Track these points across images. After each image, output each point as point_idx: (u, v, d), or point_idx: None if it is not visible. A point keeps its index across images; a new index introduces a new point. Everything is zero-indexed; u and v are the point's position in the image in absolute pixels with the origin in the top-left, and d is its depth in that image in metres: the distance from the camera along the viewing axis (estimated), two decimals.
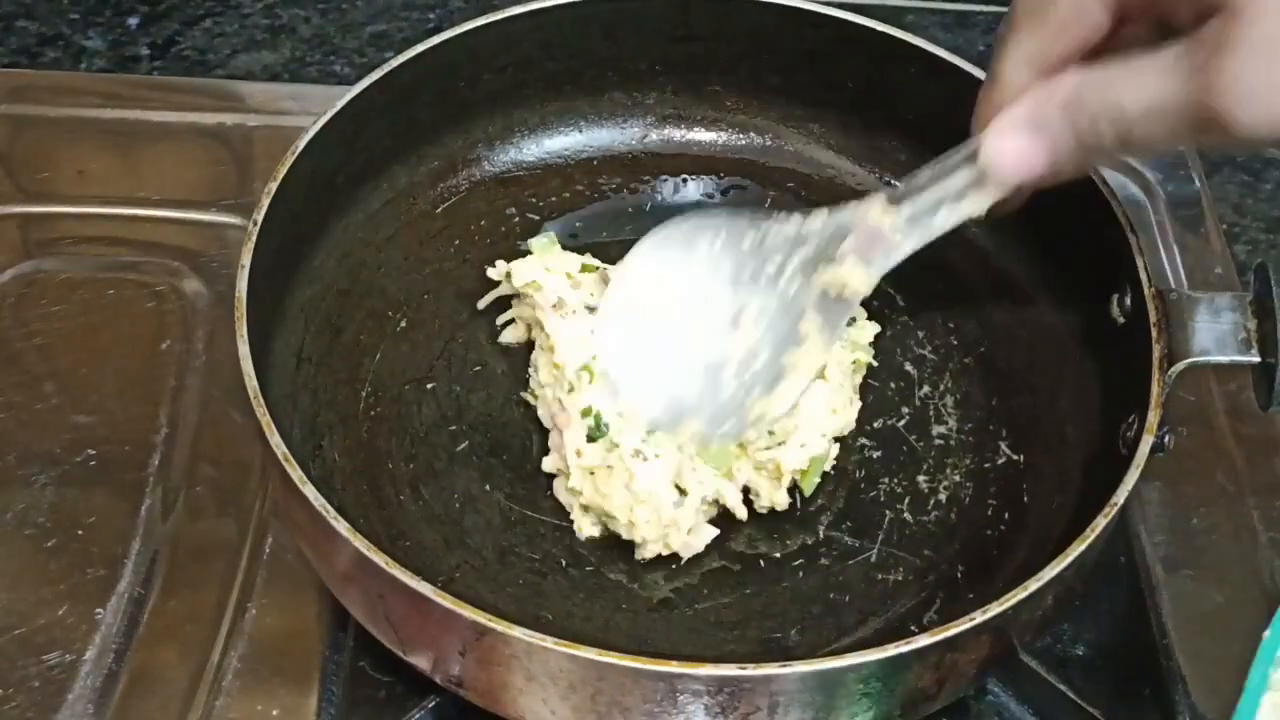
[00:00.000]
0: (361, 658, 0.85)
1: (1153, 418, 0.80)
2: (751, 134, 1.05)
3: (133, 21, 1.23)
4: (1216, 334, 0.83)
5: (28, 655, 0.85)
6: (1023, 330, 0.95)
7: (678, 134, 1.05)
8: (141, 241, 1.06)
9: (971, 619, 0.72)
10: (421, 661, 0.78)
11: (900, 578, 0.86)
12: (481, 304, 0.95)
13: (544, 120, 1.03)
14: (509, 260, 0.95)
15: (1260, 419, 0.97)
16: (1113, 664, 0.87)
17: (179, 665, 0.85)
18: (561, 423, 0.87)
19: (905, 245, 0.85)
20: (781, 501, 0.87)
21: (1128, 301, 0.87)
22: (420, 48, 0.94)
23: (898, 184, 0.87)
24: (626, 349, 0.89)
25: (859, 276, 0.86)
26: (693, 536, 0.85)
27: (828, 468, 0.89)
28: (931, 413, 0.93)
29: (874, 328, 0.93)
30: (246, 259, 0.82)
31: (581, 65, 1.01)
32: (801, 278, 0.88)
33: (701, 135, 1.05)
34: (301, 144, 0.88)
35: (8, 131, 1.13)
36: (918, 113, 0.99)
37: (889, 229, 0.85)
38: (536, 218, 1.01)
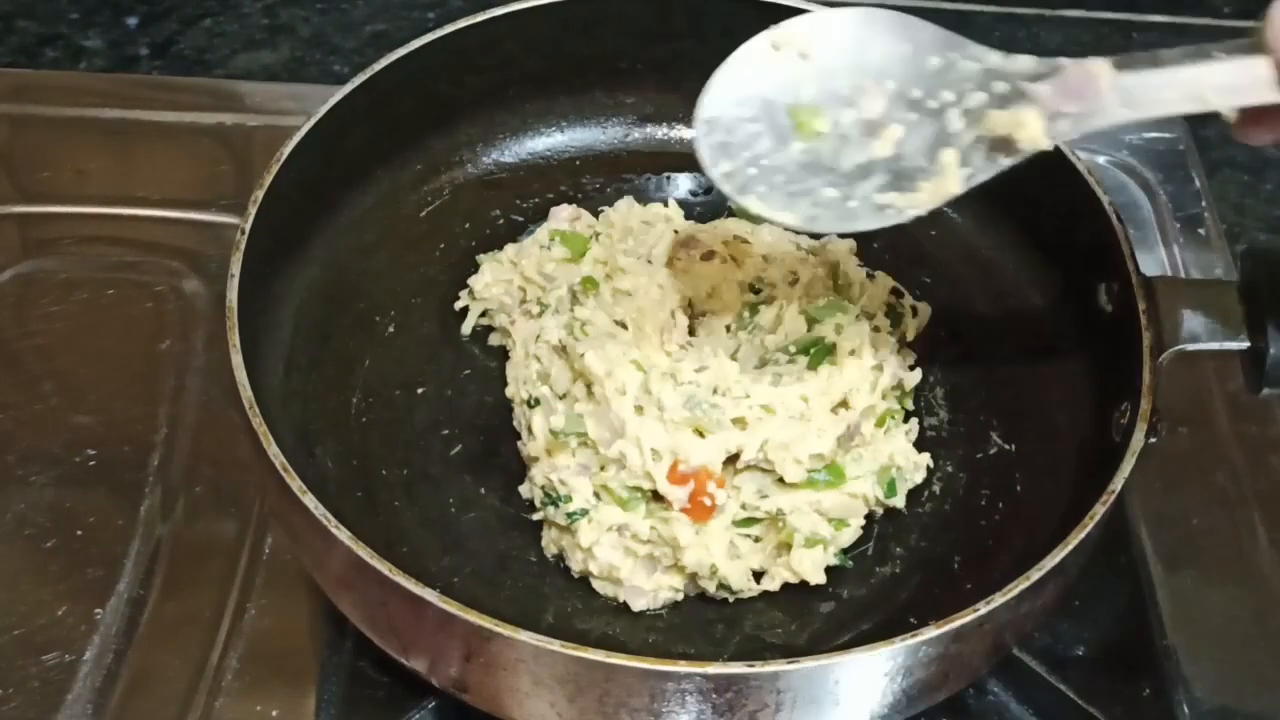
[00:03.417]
0: (360, 658, 0.80)
1: (1145, 405, 0.75)
2: None
3: (132, 21, 1.18)
4: (1205, 320, 0.78)
5: (27, 655, 0.81)
6: (1010, 320, 0.91)
7: (659, 132, 0.98)
8: (141, 241, 1.01)
9: (976, 610, 0.68)
10: (423, 666, 0.74)
11: (897, 570, 0.81)
12: (465, 329, 0.89)
13: (525, 121, 0.97)
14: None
15: (1261, 419, 0.93)
16: (1113, 664, 0.83)
17: (178, 666, 0.81)
18: (525, 457, 0.81)
19: (1116, 112, 0.66)
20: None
21: (1115, 289, 0.82)
22: (401, 51, 0.89)
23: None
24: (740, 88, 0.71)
25: (1038, 126, 0.66)
26: (659, 590, 0.78)
27: None
28: (922, 404, 0.88)
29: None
30: (236, 268, 0.77)
31: (562, 65, 0.95)
32: (968, 120, 0.69)
33: (683, 132, 0.98)
34: (285, 152, 0.83)
35: (7, 131, 1.08)
36: None
37: (1105, 84, 0.65)
38: (521, 219, 0.94)
